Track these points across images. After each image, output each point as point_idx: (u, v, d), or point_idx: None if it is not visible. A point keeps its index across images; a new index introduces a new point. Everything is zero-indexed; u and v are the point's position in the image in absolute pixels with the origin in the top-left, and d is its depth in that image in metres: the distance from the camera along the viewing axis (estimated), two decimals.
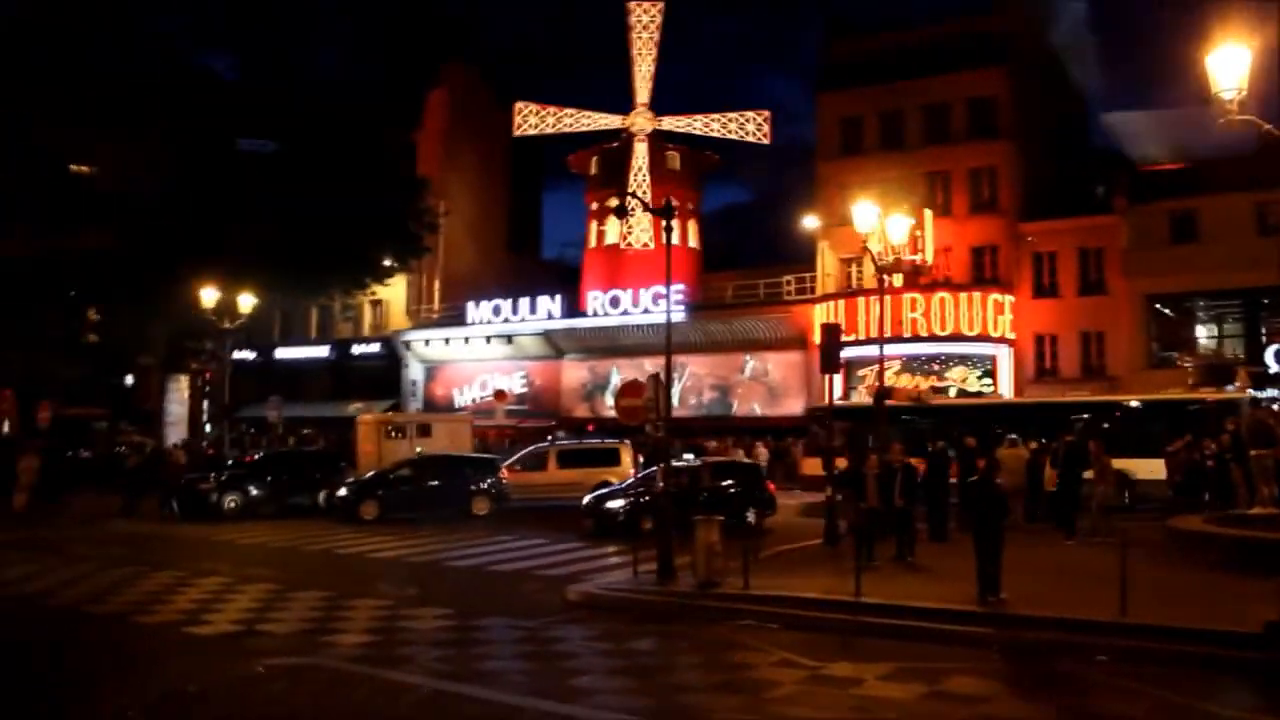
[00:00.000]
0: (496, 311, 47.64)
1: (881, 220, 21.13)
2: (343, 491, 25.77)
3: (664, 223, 15.74)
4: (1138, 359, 37.94)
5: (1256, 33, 13.06)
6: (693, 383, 45.05)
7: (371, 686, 9.90)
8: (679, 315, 44.05)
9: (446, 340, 49.78)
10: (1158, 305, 38.43)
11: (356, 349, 52.68)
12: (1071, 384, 38.39)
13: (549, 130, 48.78)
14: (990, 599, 12.71)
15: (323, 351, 53.47)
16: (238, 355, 52.35)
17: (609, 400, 46.10)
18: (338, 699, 9.62)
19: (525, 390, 49.02)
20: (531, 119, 48.66)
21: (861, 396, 36.59)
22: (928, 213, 39.10)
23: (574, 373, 48.06)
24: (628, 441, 29.27)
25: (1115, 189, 38.56)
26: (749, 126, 47.52)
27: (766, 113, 47.45)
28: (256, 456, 30.45)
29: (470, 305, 48.43)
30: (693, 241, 49.06)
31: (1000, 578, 12.85)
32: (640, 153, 47.32)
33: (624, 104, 48.07)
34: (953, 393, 38.95)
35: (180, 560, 18.54)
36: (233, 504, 26.04)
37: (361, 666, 10.61)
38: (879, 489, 16.76)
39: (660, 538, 15.76)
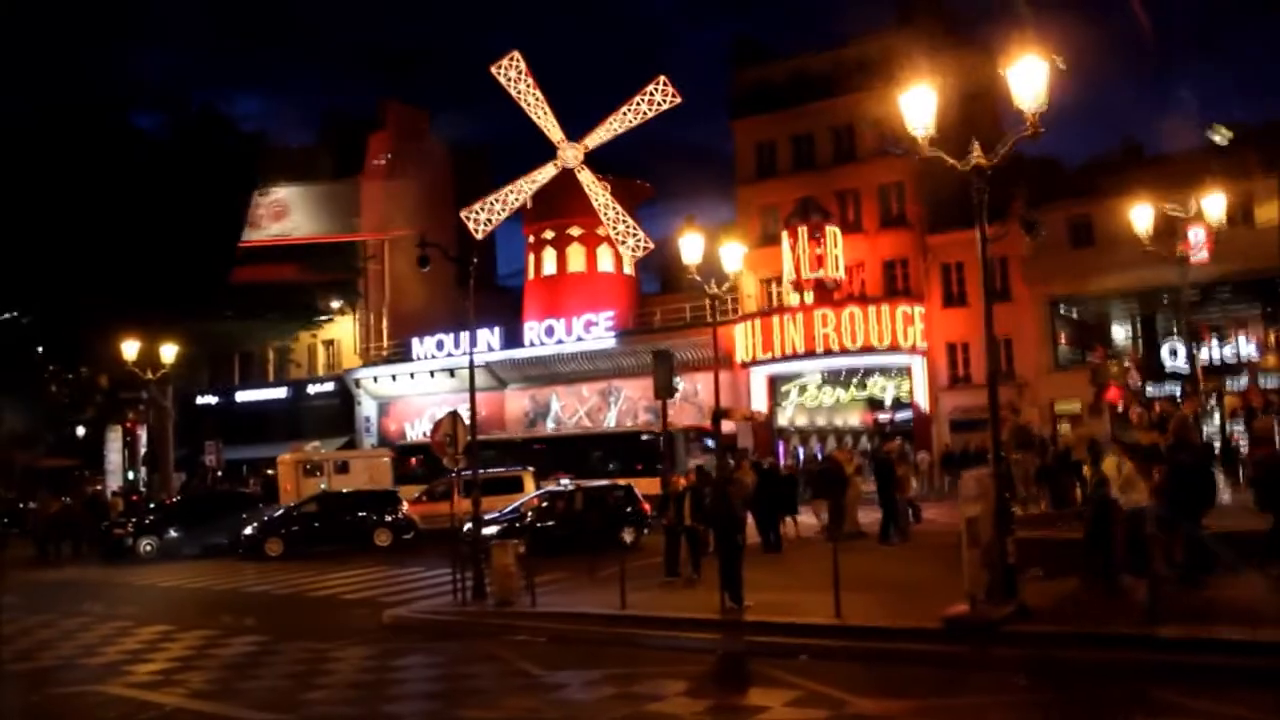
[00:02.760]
0: (440, 346, 49.14)
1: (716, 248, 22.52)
2: (248, 531, 27.23)
3: (471, 262, 17.21)
4: (1044, 362, 39.39)
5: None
6: (628, 406, 46.44)
7: (127, 707, 11.36)
8: (610, 341, 45.59)
9: (394, 377, 51.34)
10: (1063, 308, 40.10)
11: (312, 389, 54.19)
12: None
13: (499, 216, 48.09)
14: (731, 608, 14.09)
15: (280, 393, 54.95)
16: (201, 400, 54.13)
17: (550, 426, 47.73)
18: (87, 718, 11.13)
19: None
20: (481, 215, 47.72)
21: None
22: (834, 230, 40.57)
23: (517, 402, 49.54)
24: (530, 469, 30.89)
25: (1014, 196, 39.94)
26: (657, 98, 46.15)
27: (662, 78, 46.20)
28: (174, 500, 31.89)
29: (415, 341, 49.97)
30: (627, 268, 50.41)
31: (741, 587, 14.22)
32: (587, 181, 47.11)
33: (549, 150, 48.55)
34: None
35: (61, 604, 19.93)
36: (148, 547, 27.56)
37: (134, 691, 12.08)
38: (687, 507, 18.07)
39: (472, 561, 17.09)
